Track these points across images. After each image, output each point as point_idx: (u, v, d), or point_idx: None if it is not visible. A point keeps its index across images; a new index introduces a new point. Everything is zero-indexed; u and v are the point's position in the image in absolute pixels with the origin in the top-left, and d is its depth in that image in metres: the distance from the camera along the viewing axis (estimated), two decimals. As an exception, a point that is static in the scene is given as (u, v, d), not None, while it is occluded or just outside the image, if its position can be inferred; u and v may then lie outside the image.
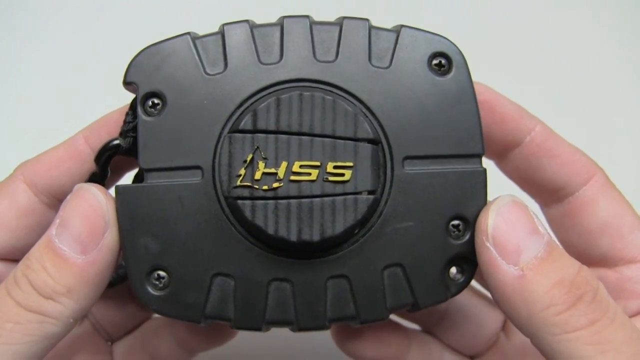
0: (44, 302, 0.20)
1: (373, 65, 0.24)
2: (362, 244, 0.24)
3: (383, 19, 0.40)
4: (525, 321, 0.20)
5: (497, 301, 0.21)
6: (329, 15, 0.26)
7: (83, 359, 0.28)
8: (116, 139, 0.25)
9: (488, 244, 0.20)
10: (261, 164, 0.23)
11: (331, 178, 0.23)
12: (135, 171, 0.27)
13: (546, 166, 0.25)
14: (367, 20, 0.25)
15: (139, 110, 0.23)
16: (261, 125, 0.23)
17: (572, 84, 0.41)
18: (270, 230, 0.22)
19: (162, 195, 0.23)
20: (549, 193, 0.25)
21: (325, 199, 0.22)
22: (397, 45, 0.25)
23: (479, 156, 0.24)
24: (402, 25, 0.25)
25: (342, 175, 0.23)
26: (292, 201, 0.22)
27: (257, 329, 0.24)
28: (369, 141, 0.23)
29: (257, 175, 0.23)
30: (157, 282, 0.23)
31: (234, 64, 0.24)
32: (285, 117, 0.23)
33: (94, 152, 0.25)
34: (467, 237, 0.23)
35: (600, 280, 0.21)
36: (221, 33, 0.24)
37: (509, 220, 0.20)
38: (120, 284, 0.28)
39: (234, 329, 0.25)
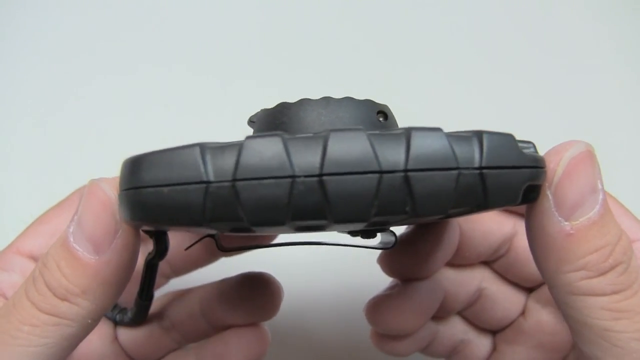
0: (59, 303, 0.20)
1: None
2: None
3: (383, 19, 0.41)
4: (549, 273, 0.20)
5: (531, 242, 0.21)
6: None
7: None
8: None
9: (548, 192, 0.19)
10: None
11: None
12: None
13: None
14: None
15: None
16: None
17: (571, 84, 0.41)
18: None
19: None
20: None
21: None
22: None
23: None
24: None
25: None
26: None
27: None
28: None
29: None
30: None
31: None
32: None
33: None
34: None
35: None
36: None
37: (575, 173, 0.19)
38: (126, 326, 0.28)
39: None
